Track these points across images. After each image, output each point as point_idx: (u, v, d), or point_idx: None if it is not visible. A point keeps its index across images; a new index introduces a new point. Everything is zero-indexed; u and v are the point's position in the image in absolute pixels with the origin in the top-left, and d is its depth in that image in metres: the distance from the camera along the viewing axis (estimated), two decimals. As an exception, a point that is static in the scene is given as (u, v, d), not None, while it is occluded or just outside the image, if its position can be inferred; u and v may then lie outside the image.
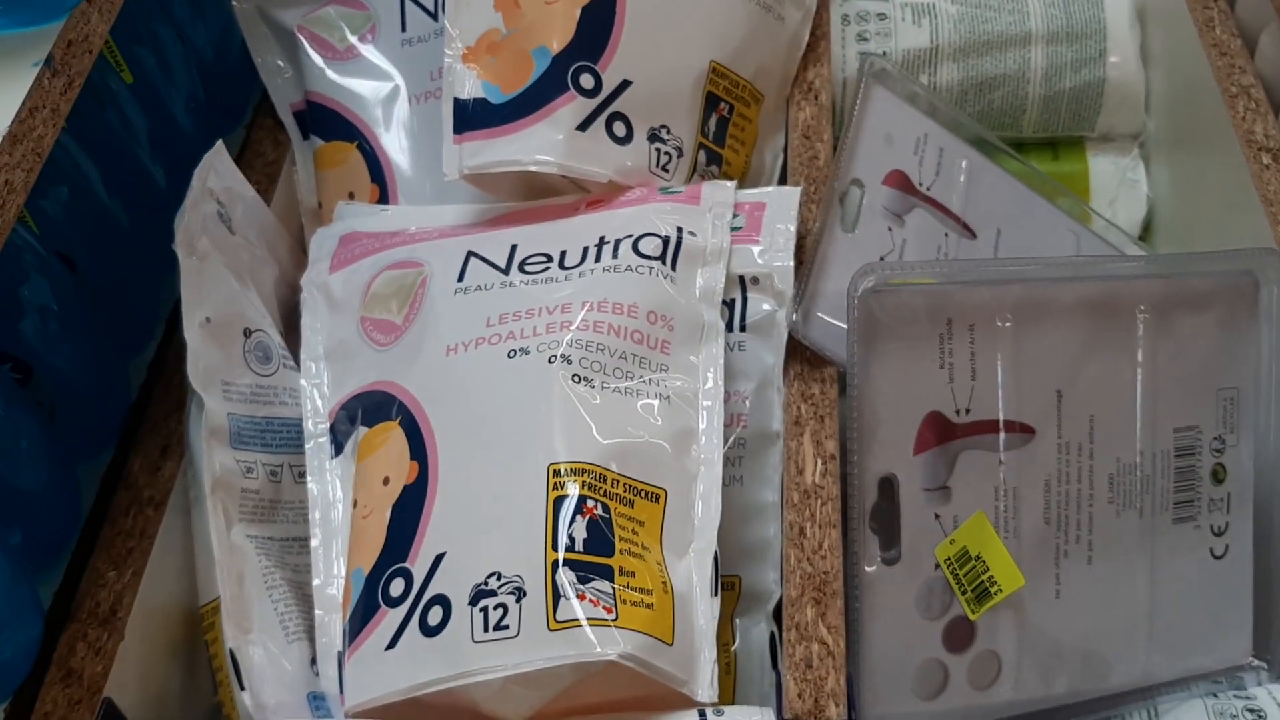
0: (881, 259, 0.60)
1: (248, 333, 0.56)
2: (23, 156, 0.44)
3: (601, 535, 0.46)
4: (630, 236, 0.55)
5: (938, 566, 0.50)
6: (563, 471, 0.47)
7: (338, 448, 0.55)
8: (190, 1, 0.68)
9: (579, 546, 0.46)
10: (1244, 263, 0.54)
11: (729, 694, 0.54)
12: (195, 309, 0.51)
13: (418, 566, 0.47)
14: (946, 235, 0.63)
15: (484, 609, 0.45)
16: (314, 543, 0.53)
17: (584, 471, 0.48)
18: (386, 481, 0.51)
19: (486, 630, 0.45)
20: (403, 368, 0.54)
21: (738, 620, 0.55)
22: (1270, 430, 0.55)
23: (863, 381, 0.48)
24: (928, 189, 0.63)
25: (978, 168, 0.66)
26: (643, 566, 0.47)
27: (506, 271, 0.55)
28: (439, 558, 0.47)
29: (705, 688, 0.45)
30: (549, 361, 0.50)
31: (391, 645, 0.46)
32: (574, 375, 0.50)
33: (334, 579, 0.52)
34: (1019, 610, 0.51)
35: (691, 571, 0.48)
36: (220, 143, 0.57)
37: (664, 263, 0.55)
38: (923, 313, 0.48)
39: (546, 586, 0.45)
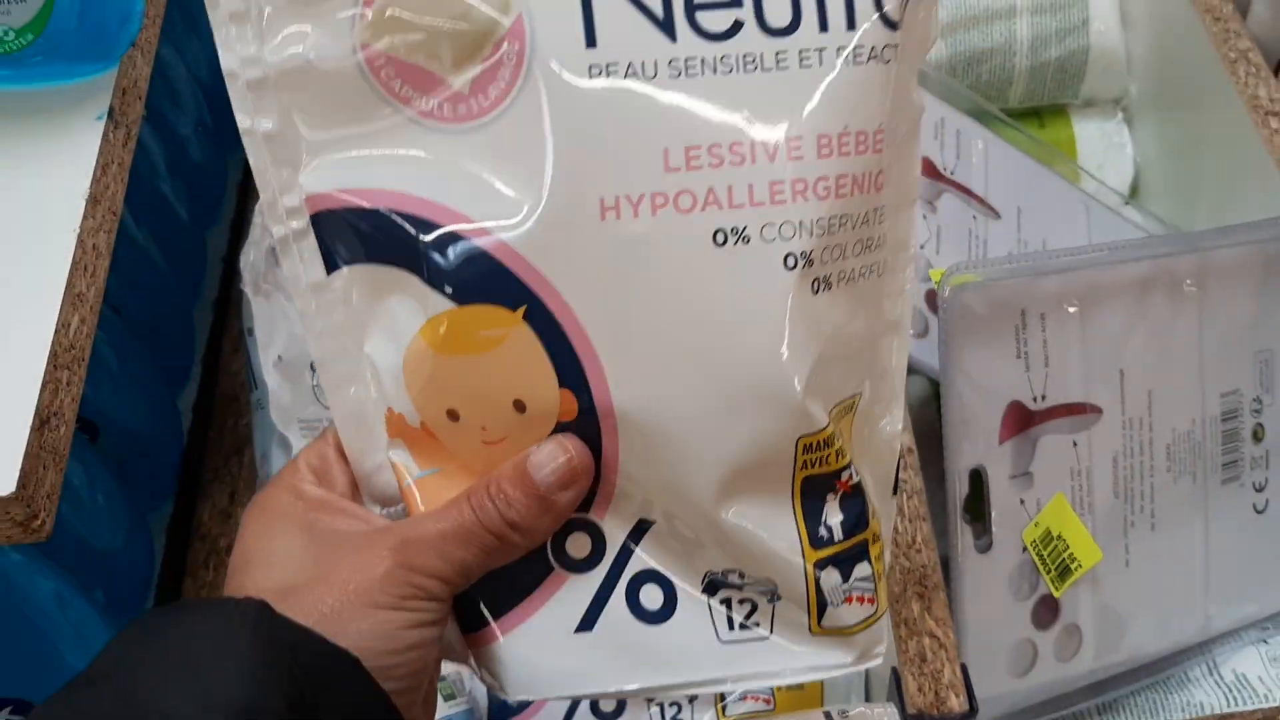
0: (920, 247, 0.61)
1: (314, 367, 0.55)
2: (103, 218, 0.43)
3: (858, 508, 0.36)
4: None
5: (1024, 549, 0.51)
6: (815, 446, 0.34)
7: (331, 263, 0.34)
8: (184, 18, 0.66)
9: (838, 535, 0.35)
10: (1276, 230, 0.57)
11: (817, 688, 0.56)
12: (269, 348, 0.51)
13: (610, 525, 0.35)
14: (975, 218, 0.64)
15: (725, 601, 0.36)
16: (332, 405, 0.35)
17: (832, 441, 0.34)
18: (521, 408, 0.34)
19: (732, 628, 0.36)
20: (500, 209, 0.33)
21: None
22: (1304, 387, 0.58)
23: (952, 378, 0.49)
24: (952, 173, 0.65)
25: (992, 147, 0.68)
26: (876, 520, 0.37)
27: (672, 33, 0.32)
28: (642, 525, 0.35)
29: (885, 642, 0.38)
30: (786, 263, 0.32)
31: (586, 626, 0.35)
32: (815, 282, 0.33)
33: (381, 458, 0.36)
34: (1095, 583, 0.53)
35: (871, 471, 0.37)
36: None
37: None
38: (1000, 306, 0.50)
39: (809, 591, 0.35)
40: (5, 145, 0.44)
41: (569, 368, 0.33)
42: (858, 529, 0.36)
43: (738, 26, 0.32)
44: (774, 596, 0.35)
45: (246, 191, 0.67)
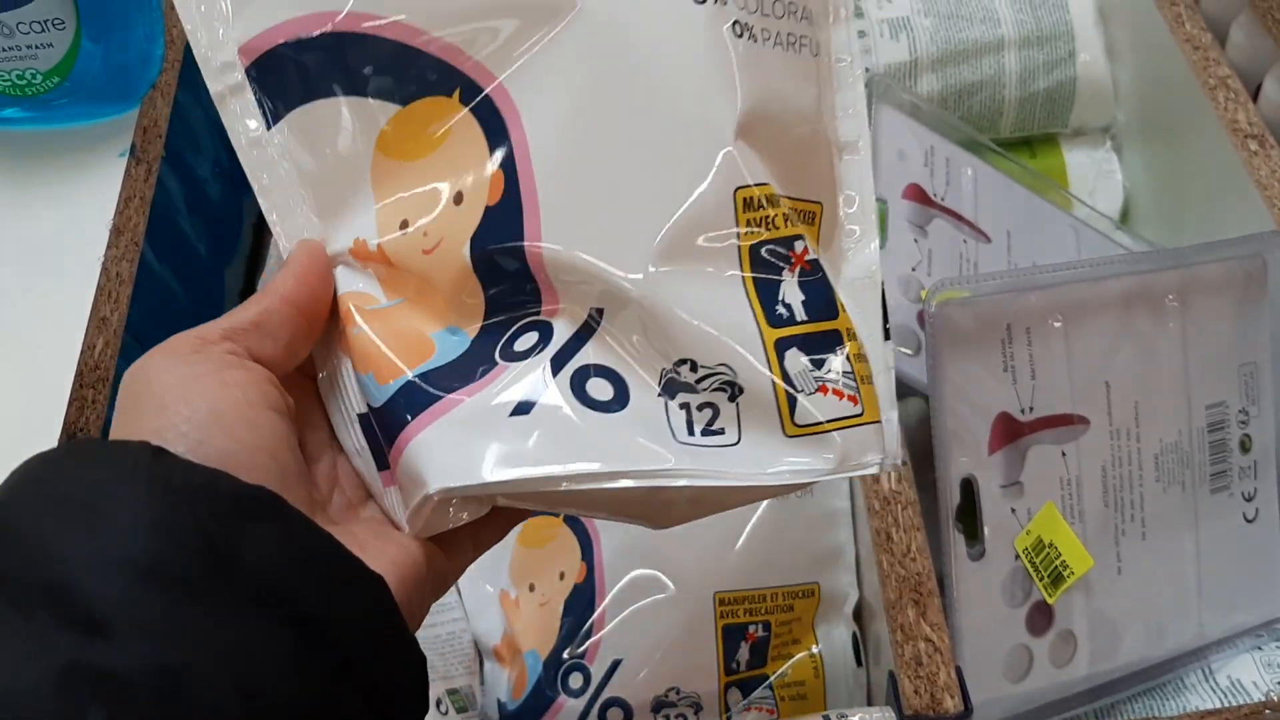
0: (913, 270, 0.63)
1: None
2: (126, 247, 0.45)
3: (821, 290, 0.33)
4: None
5: (1017, 557, 0.53)
6: (755, 203, 0.32)
7: (271, 117, 0.34)
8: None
9: (800, 315, 0.32)
10: (1254, 246, 0.59)
11: (819, 695, 0.57)
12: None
13: (560, 321, 0.33)
14: (965, 242, 0.66)
15: (685, 405, 0.32)
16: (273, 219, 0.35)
17: (775, 202, 0.32)
18: (459, 200, 0.33)
19: (692, 433, 0.31)
20: None
21: (819, 625, 0.58)
22: (1289, 399, 0.60)
23: (941, 391, 0.51)
24: (942, 199, 0.67)
25: (981, 174, 0.70)
26: (850, 319, 0.33)
27: None
28: (591, 323, 0.33)
29: (895, 455, 0.33)
30: None
31: (523, 410, 0.31)
32: (735, 24, 0.32)
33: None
34: (1088, 590, 0.55)
35: (859, 303, 0.34)
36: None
37: None
38: (986, 321, 0.52)
39: (773, 374, 0.31)
40: (34, 181, 0.47)
41: (500, 144, 0.32)
42: (824, 314, 0.32)
43: None
44: (734, 391, 0.31)
45: (262, 229, 0.69)
